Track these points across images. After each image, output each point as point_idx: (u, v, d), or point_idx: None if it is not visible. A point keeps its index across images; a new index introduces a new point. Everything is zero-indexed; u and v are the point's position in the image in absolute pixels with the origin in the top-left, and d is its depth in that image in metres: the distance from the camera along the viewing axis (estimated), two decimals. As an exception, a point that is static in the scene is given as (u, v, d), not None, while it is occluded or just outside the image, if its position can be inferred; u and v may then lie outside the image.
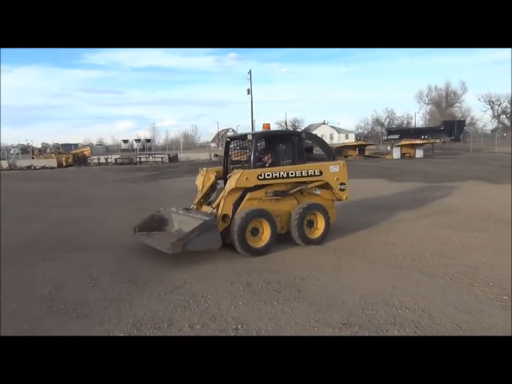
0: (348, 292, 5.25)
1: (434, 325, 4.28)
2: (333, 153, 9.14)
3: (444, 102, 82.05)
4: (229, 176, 7.42)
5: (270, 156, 7.83)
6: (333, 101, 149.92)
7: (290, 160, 7.80)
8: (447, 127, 44.82)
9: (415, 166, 24.92)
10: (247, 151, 8.09)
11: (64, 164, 37.75)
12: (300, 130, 9.43)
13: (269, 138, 7.98)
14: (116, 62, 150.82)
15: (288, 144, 7.95)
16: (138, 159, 39.60)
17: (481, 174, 18.46)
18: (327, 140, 79.42)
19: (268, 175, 7.19)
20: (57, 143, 63.06)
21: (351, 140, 72.44)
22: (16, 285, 5.77)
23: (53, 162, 37.08)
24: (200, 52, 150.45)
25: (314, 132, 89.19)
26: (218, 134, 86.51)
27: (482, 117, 75.16)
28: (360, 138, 55.34)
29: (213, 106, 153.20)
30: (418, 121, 79.42)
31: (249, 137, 7.76)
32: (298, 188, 7.51)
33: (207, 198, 8.03)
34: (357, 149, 35.51)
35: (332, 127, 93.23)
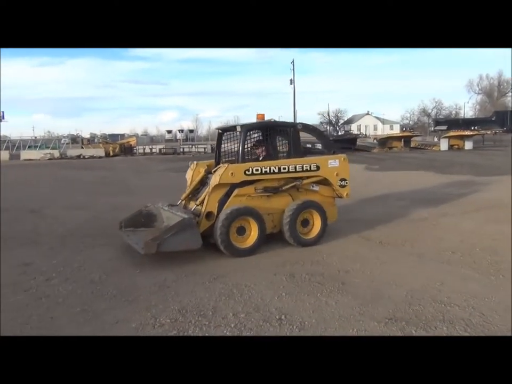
0: (394, 286, 5.13)
1: (485, 324, 4.11)
2: (333, 146, 8.40)
3: (495, 91, 78.51)
4: (214, 171, 6.94)
5: (263, 149, 7.26)
6: (377, 91, 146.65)
7: (285, 154, 7.24)
8: (499, 117, 43.00)
9: (463, 158, 24.01)
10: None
11: (111, 153, 39.14)
12: (297, 122, 8.11)
13: (261, 130, 7.34)
14: (160, 54, 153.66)
15: (283, 137, 7.40)
16: (181, 149, 40.42)
17: (536, 167, 17.52)
18: (371, 131, 77.97)
19: (257, 170, 6.61)
20: (105, 133, 65.13)
21: (396, 130, 70.59)
22: (68, 270, 6.02)
23: (100, 152, 38.53)
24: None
25: (357, 123, 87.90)
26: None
27: (538, 107, 71.17)
28: (405, 129, 53.82)
29: (255, 97, 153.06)
30: (468, 111, 76.74)
31: (238, 128, 7.13)
32: (291, 184, 6.92)
33: (196, 194, 7.41)
34: (402, 140, 34.59)
35: (376, 117, 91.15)
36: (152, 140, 73.96)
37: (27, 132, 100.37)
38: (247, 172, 6.57)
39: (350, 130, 75.27)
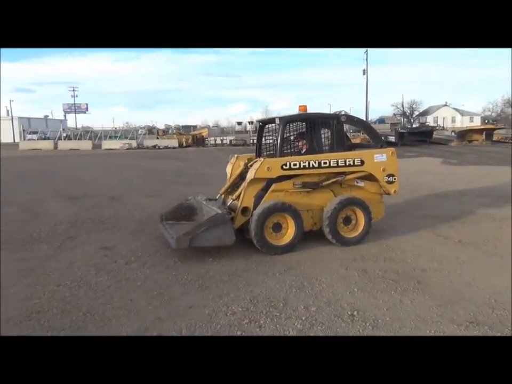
0: (475, 288, 4.85)
1: None
2: (382, 140, 7.68)
3: None
4: (250, 165, 6.72)
5: (304, 142, 6.96)
6: (455, 82, 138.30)
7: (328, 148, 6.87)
8: None
9: (555, 153, 22.02)
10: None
11: (184, 144, 40.51)
12: (341, 113, 7.25)
13: (301, 122, 7.03)
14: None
15: (325, 129, 6.97)
16: (251, 141, 40.76)
17: None
18: (448, 123, 73.93)
19: (295, 164, 6.32)
20: (178, 125, 67.35)
21: (476, 123, 66.35)
22: (146, 255, 6.34)
23: (174, 143, 40.03)
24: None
25: (434, 114, 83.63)
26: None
27: None
28: (487, 121, 50.35)
29: (326, 89, 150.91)
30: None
31: (277, 120, 6.86)
32: (332, 180, 6.58)
33: (235, 188, 7.10)
34: (484, 133, 32.43)
35: (455, 109, 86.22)
36: (223, 131, 75.53)
37: (107, 123, 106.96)
38: (284, 167, 6.32)
39: (426, 122, 71.83)
